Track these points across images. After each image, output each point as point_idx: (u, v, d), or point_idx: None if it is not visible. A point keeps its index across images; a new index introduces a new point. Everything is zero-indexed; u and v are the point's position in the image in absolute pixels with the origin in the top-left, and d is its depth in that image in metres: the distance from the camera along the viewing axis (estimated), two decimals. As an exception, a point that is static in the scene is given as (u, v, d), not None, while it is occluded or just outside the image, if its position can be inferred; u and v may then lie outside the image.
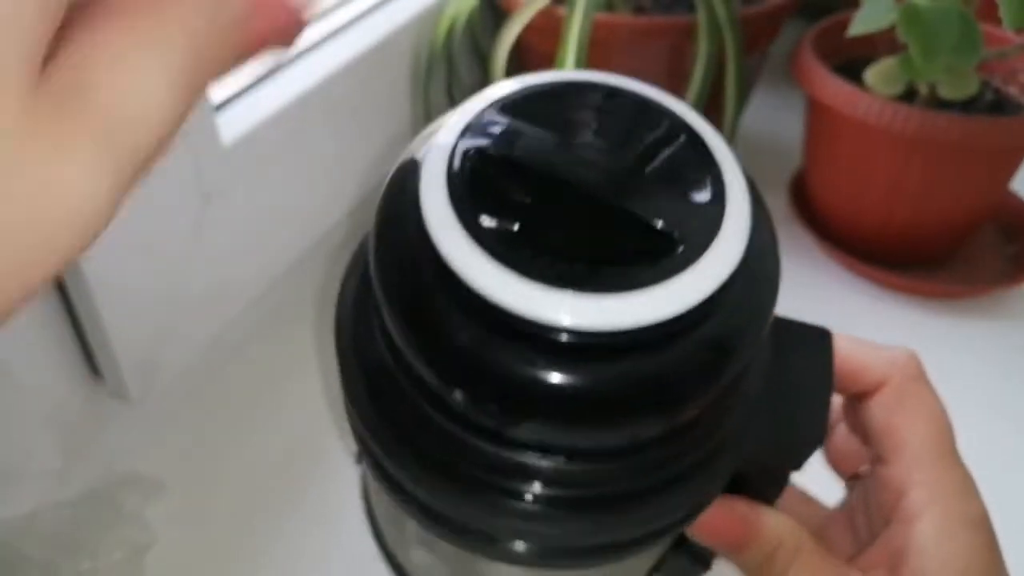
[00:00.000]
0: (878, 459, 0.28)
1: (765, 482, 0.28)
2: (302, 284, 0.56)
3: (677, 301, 0.20)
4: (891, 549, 0.26)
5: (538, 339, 0.20)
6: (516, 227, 0.21)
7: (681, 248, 0.20)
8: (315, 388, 0.49)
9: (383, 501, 0.30)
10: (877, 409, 0.27)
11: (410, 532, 0.29)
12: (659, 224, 0.21)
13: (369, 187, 0.62)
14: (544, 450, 0.22)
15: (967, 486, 0.26)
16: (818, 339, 0.26)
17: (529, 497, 0.22)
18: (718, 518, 0.26)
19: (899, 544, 0.26)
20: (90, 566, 0.39)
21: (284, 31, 0.17)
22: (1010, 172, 0.54)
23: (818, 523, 0.31)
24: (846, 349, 0.27)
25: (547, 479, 0.22)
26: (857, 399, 0.28)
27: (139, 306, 0.44)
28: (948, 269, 0.57)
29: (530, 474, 0.22)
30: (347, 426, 0.28)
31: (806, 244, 0.60)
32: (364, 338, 0.25)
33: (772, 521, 0.26)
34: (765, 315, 0.23)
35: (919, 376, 0.28)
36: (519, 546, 0.24)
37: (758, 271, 0.22)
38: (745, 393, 0.24)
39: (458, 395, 0.21)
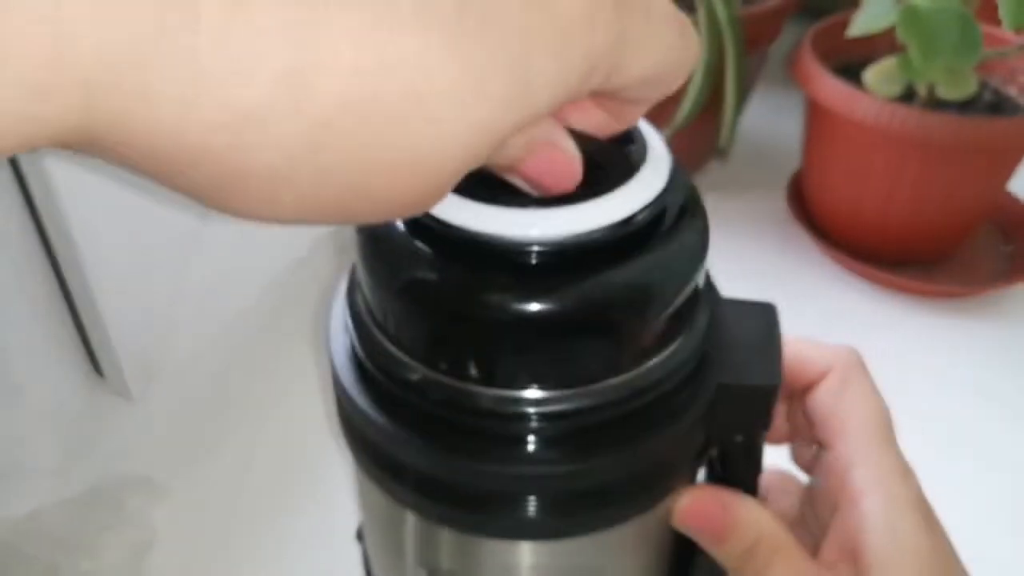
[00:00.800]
0: (823, 446, 0.29)
1: (742, 457, 0.29)
2: (303, 284, 0.56)
3: (622, 207, 0.22)
4: (845, 535, 0.27)
5: (498, 257, 0.21)
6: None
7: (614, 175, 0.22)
8: (314, 388, 0.49)
9: (378, 528, 0.30)
10: (821, 396, 0.29)
11: (409, 558, 0.29)
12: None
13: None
14: (530, 379, 0.23)
15: (906, 470, 0.27)
16: (763, 308, 0.28)
17: (528, 438, 0.23)
18: (701, 503, 0.27)
19: (851, 525, 0.26)
20: (91, 565, 0.39)
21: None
22: (1008, 172, 0.54)
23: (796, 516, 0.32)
24: (792, 345, 0.28)
25: (540, 415, 0.23)
26: (805, 392, 0.30)
27: (141, 306, 0.44)
28: (946, 269, 0.57)
29: (523, 413, 0.23)
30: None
31: (804, 244, 0.60)
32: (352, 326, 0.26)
33: (754, 514, 0.27)
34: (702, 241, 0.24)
35: (860, 366, 0.29)
36: (521, 508, 0.24)
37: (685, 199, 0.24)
38: (703, 329, 0.26)
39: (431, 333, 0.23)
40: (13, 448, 0.42)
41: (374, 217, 0.17)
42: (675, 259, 0.24)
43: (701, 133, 0.59)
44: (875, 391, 0.29)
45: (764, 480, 0.30)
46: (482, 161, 0.17)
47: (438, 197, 0.17)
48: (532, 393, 0.23)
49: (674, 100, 0.56)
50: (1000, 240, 0.60)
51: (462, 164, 0.16)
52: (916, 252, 0.57)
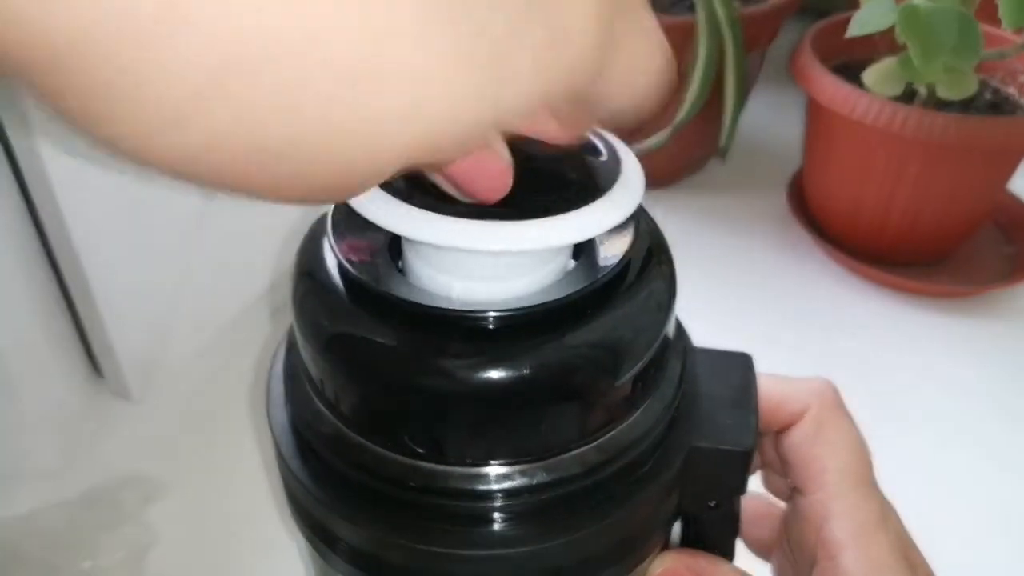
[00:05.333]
0: (797, 491, 0.27)
1: (716, 521, 0.27)
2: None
3: (573, 231, 0.20)
4: None
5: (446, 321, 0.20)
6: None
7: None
8: (315, 388, 0.49)
9: None
10: (795, 439, 0.27)
11: None
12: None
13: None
14: (484, 454, 0.21)
15: (885, 515, 0.26)
16: (739, 360, 0.26)
17: (485, 516, 0.21)
18: (673, 572, 0.26)
19: None
20: (90, 565, 0.39)
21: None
22: (1008, 172, 0.54)
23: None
24: (765, 385, 0.27)
25: (497, 492, 0.21)
26: (778, 434, 0.28)
27: (140, 305, 0.44)
28: (947, 269, 0.57)
29: (477, 490, 0.21)
30: None
31: (805, 244, 0.60)
32: (295, 400, 0.24)
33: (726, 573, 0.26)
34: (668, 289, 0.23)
35: (836, 405, 0.27)
36: None
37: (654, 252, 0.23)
38: (674, 388, 0.24)
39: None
40: (12, 448, 0.42)
41: (291, 192, 0.14)
42: (643, 313, 0.22)
43: (701, 133, 0.59)
44: (852, 430, 0.27)
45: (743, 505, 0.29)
46: (427, 158, 0.15)
47: (367, 184, 0.15)
48: (487, 469, 0.21)
49: (674, 100, 0.56)
50: (1001, 240, 0.60)
51: (404, 154, 0.14)
52: (916, 252, 0.57)
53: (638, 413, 0.22)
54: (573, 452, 0.21)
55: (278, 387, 0.25)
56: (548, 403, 0.20)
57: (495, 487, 0.21)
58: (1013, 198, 0.59)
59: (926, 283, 0.56)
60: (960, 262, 0.58)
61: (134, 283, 0.43)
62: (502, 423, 0.20)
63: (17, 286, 0.39)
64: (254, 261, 0.53)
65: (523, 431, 0.21)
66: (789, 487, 0.29)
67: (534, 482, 0.21)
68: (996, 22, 0.45)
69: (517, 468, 0.21)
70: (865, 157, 0.54)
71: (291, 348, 0.25)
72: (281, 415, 0.25)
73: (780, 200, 0.62)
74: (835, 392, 0.28)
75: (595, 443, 0.22)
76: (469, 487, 0.21)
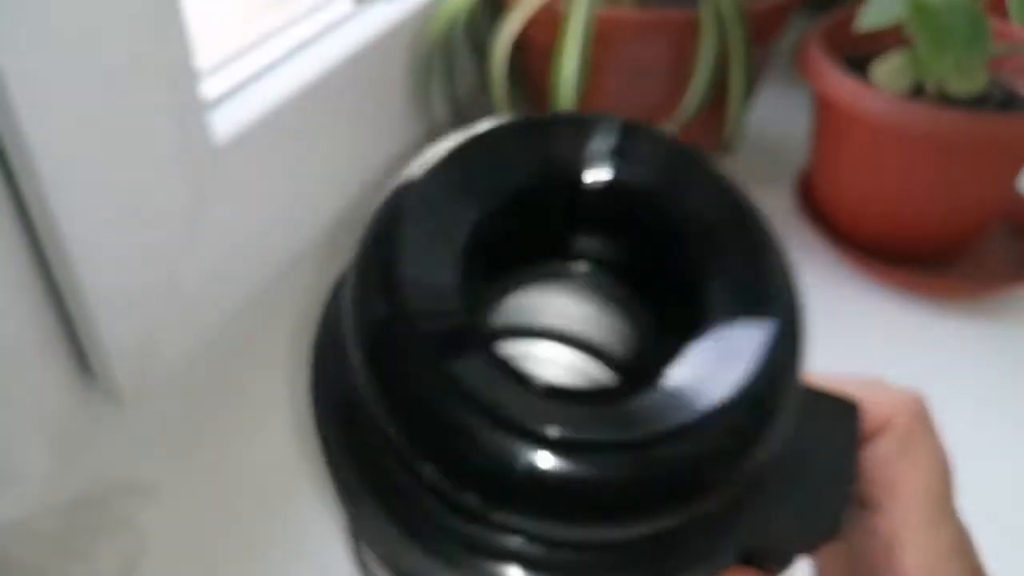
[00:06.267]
0: (870, 504, 0.26)
1: (770, 562, 0.26)
2: (298, 284, 0.55)
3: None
4: None
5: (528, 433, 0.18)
6: None
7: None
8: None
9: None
10: (877, 453, 0.26)
11: None
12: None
13: (367, 185, 0.61)
14: (529, 538, 0.20)
15: (959, 546, 0.25)
16: (844, 414, 0.24)
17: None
18: None
19: None
20: (82, 571, 0.39)
21: None
22: (1018, 170, 0.53)
23: None
24: (851, 388, 0.26)
25: (532, 565, 0.20)
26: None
27: (133, 306, 0.44)
28: (957, 267, 0.57)
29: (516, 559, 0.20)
30: None
31: (812, 240, 0.59)
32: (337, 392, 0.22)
33: None
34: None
35: (925, 421, 0.26)
36: None
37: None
38: (752, 483, 0.22)
39: (436, 474, 0.19)
40: (3, 452, 0.42)
41: None
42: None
43: (707, 128, 0.59)
44: (939, 451, 0.26)
45: None
46: None
47: None
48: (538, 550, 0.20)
49: (680, 95, 0.56)
50: (1012, 238, 0.59)
51: None
52: (926, 250, 0.56)
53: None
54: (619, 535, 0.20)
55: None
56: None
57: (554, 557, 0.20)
58: (1023, 196, 0.59)
59: (936, 281, 0.55)
60: (970, 261, 0.57)
61: (128, 284, 0.43)
62: (564, 522, 0.19)
63: (6, 286, 0.39)
64: (249, 262, 0.53)
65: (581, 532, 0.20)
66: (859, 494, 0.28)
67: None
68: (1006, 17, 0.44)
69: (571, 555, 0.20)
70: (873, 153, 0.53)
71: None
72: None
73: (787, 196, 0.62)
74: (924, 406, 0.27)
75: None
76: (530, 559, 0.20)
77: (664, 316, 0.23)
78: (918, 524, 0.25)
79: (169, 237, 0.45)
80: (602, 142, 0.22)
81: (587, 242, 0.23)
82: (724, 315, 0.20)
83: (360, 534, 0.24)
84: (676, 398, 0.19)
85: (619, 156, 0.22)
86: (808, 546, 0.23)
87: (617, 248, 0.23)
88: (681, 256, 0.22)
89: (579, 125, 0.23)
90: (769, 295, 0.21)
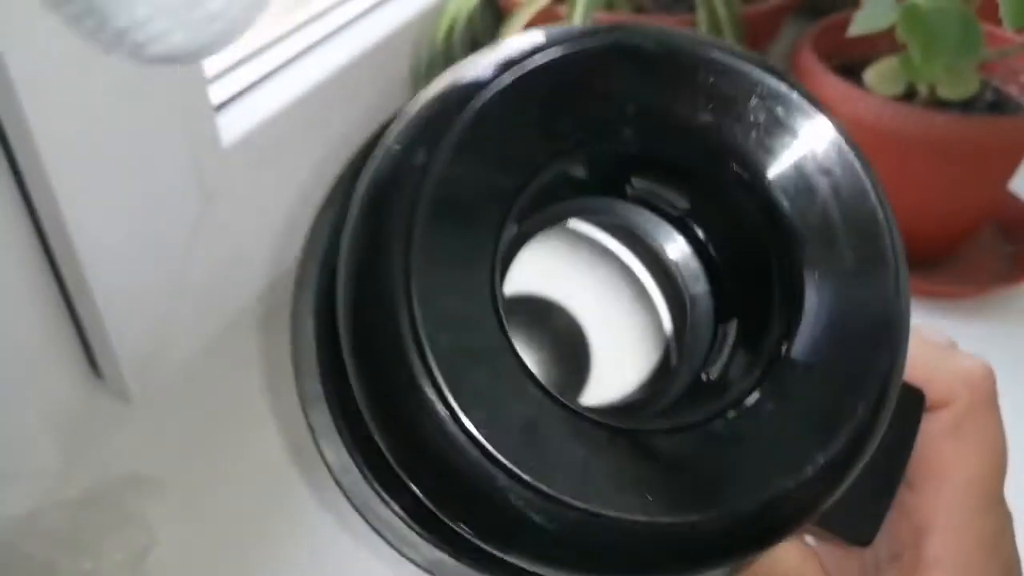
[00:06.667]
0: (907, 481, 0.24)
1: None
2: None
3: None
4: None
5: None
6: None
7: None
8: (315, 388, 0.49)
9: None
10: (928, 428, 0.23)
11: None
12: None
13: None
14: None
15: (996, 541, 0.23)
16: (909, 405, 0.21)
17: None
18: None
19: None
20: (90, 566, 0.39)
21: None
22: (1009, 172, 0.54)
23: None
24: (913, 355, 0.22)
25: None
26: None
27: (140, 306, 0.44)
28: (947, 269, 0.57)
29: None
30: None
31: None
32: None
33: (779, 552, 0.23)
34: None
35: (988, 400, 0.24)
36: None
37: None
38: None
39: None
40: (12, 448, 0.42)
41: None
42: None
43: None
44: (996, 435, 0.24)
45: None
46: None
47: None
48: None
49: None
50: (1002, 240, 0.60)
51: None
52: (917, 252, 0.56)
53: None
54: None
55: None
56: None
57: None
58: (1014, 198, 0.59)
59: (926, 283, 0.56)
60: (960, 262, 0.57)
61: (134, 283, 0.43)
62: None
63: (15, 286, 0.39)
64: (254, 262, 0.53)
65: None
66: None
67: None
68: (997, 21, 0.45)
69: None
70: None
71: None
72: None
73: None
74: (992, 382, 0.24)
75: None
76: None
77: (732, 306, 0.21)
78: (957, 512, 0.23)
79: (177, 239, 0.45)
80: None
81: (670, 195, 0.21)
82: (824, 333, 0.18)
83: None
84: (775, 448, 0.17)
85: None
86: (846, 540, 0.22)
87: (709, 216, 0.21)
88: (785, 251, 0.19)
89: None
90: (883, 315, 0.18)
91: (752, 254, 0.20)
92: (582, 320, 0.23)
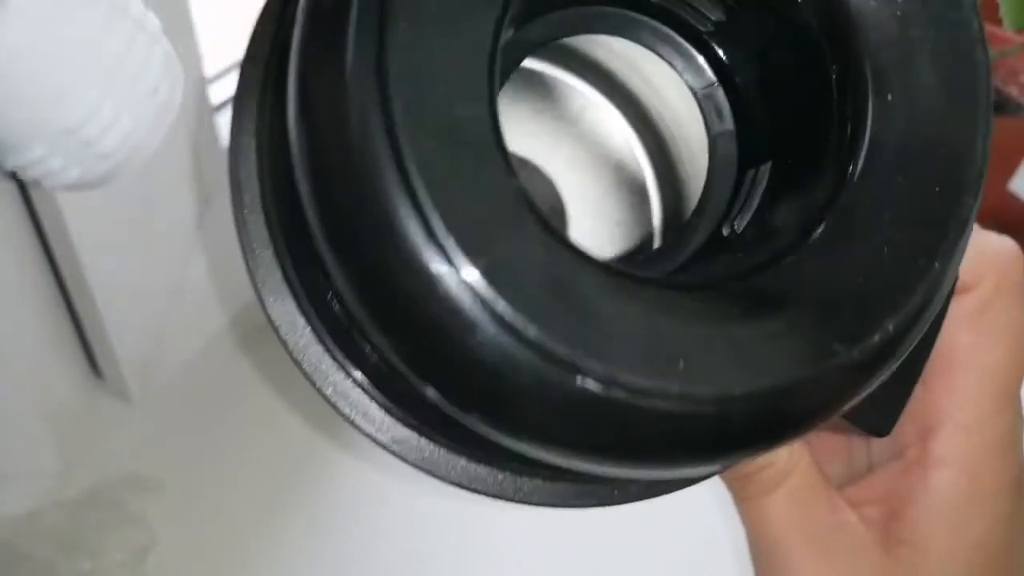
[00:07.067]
0: None
1: None
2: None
3: None
4: (895, 486, 0.21)
5: None
6: None
7: None
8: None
9: None
10: (948, 314, 0.20)
11: None
12: None
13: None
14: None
15: (1009, 443, 0.21)
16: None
17: None
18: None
19: (905, 487, 0.21)
20: (91, 566, 0.39)
21: None
22: (1009, 172, 0.54)
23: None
24: None
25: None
26: None
27: (140, 306, 0.44)
28: (947, 269, 0.57)
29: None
30: (346, 428, 0.21)
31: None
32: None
33: None
34: None
35: (1016, 287, 0.21)
36: None
37: None
38: None
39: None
40: (12, 448, 0.42)
41: None
42: None
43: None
44: (1020, 328, 0.21)
45: None
46: None
47: None
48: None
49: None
50: (1001, 239, 0.60)
51: None
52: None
53: None
54: None
55: None
56: None
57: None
58: (1013, 198, 0.59)
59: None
60: (960, 262, 0.57)
61: (134, 283, 0.43)
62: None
63: (16, 286, 0.39)
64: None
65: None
66: None
67: None
68: (997, 21, 0.45)
69: None
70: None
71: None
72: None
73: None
74: (1021, 266, 0.21)
75: None
76: None
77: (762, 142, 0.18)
78: (971, 408, 0.21)
79: (177, 239, 0.46)
80: None
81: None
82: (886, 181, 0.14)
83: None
84: (832, 310, 0.14)
85: None
86: (863, 429, 0.19)
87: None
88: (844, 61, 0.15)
89: None
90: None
91: (799, 74, 0.16)
92: (559, 187, 0.21)
